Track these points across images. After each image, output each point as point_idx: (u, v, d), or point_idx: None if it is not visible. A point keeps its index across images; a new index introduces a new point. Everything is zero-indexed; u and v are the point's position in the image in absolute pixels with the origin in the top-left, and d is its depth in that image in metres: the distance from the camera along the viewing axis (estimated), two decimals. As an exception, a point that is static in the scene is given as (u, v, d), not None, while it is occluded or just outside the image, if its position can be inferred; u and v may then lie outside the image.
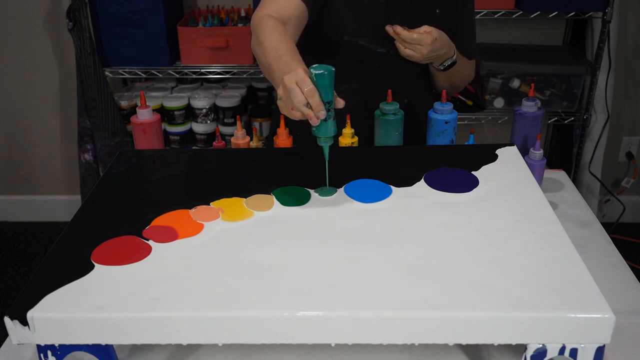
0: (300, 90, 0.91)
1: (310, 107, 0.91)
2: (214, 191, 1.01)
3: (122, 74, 2.20)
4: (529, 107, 1.20)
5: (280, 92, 0.95)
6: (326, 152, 0.99)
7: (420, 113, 1.38)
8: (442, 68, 1.30)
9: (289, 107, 0.94)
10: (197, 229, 0.91)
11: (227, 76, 2.29)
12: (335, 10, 1.26)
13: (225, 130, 2.27)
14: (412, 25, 1.25)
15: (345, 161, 1.12)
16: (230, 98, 2.24)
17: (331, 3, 1.26)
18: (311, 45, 1.30)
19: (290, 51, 1.05)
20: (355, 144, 1.21)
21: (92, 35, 2.10)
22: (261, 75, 2.21)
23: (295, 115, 0.94)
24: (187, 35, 2.12)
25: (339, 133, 1.22)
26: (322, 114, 0.91)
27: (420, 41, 1.22)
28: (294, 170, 1.07)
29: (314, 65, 0.93)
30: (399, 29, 1.23)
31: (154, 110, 1.27)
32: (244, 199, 0.98)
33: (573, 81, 2.15)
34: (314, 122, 0.92)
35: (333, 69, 0.93)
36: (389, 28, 1.24)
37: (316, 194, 0.99)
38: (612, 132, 2.42)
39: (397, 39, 1.24)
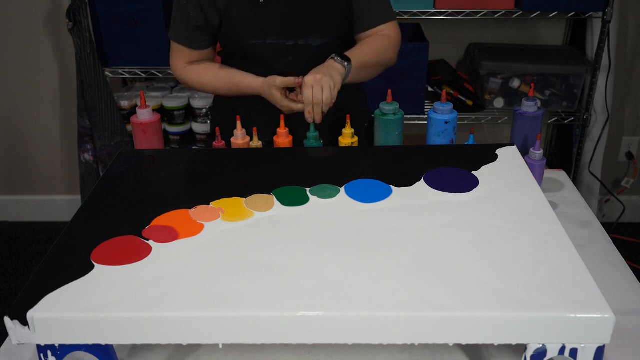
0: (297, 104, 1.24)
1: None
2: (214, 191, 1.01)
3: (122, 74, 2.20)
4: (529, 107, 1.20)
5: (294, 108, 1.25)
6: None
7: (348, 98, 1.41)
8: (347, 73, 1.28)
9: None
10: (197, 229, 0.91)
11: (227, 76, 2.29)
12: (235, 21, 1.29)
13: (225, 130, 2.26)
14: (314, 10, 1.29)
15: (345, 161, 1.12)
16: (230, 98, 2.24)
17: (229, 16, 1.30)
18: (229, 52, 1.39)
19: (227, 73, 1.35)
20: (355, 144, 1.21)
21: (92, 35, 2.10)
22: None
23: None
24: (187, 35, 2.12)
25: (339, 133, 1.22)
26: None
27: (309, 98, 1.20)
28: (294, 170, 1.07)
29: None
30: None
31: (154, 110, 1.27)
32: (244, 199, 0.98)
33: (573, 81, 2.15)
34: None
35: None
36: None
37: (315, 197, 0.99)
38: (612, 132, 2.42)
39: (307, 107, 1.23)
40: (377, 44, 1.36)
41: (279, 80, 1.24)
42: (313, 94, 1.19)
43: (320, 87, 1.19)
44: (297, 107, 1.24)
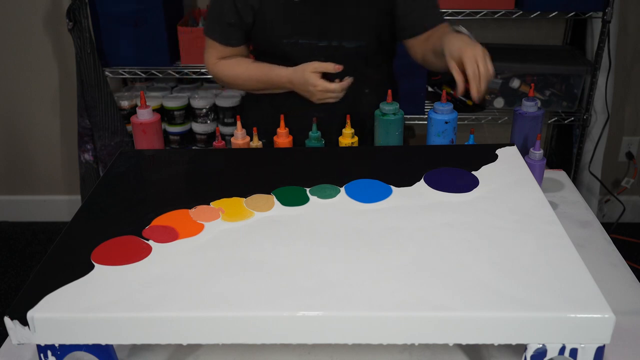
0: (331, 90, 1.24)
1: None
2: (214, 191, 1.01)
3: (122, 74, 2.20)
4: (529, 107, 1.20)
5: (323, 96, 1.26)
6: None
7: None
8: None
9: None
10: (197, 229, 0.91)
11: (227, 76, 2.29)
12: (269, 20, 1.29)
13: (225, 130, 2.27)
14: (350, 11, 1.27)
15: (345, 161, 1.12)
16: (230, 98, 2.24)
17: (262, 15, 1.29)
18: (259, 50, 1.39)
19: (257, 66, 1.35)
20: (356, 144, 1.21)
21: (92, 35, 2.10)
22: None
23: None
24: (187, 35, 2.13)
25: (339, 133, 1.22)
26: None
27: (475, 73, 1.12)
28: (294, 170, 1.07)
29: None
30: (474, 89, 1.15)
31: (154, 110, 1.27)
32: (244, 199, 0.98)
33: (573, 81, 2.15)
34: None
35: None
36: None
37: (315, 197, 0.99)
38: (612, 132, 2.42)
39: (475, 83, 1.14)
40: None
41: (317, 64, 1.24)
42: (479, 69, 1.11)
43: (484, 61, 1.12)
44: (332, 86, 1.23)
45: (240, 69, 1.37)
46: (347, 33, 1.30)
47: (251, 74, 1.36)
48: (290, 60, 1.32)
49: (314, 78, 1.24)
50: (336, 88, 1.23)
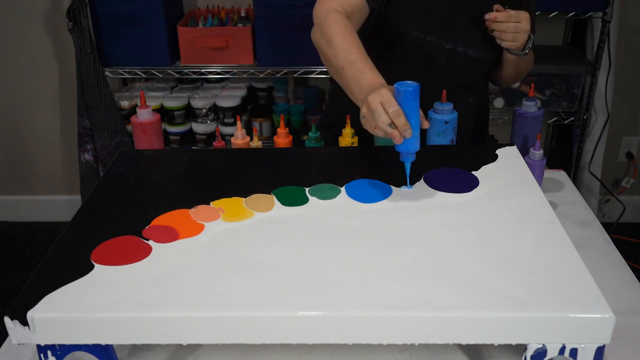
0: (385, 111, 0.91)
1: (395, 127, 0.92)
2: (214, 191, 1.01)
3: (122, 74, 2.20)
4: (529, 107, 1.20)
5: (363, 110, 0.95)
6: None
7: (483, 112, 1.39)
8: (526, 52, 1.25)
9: (372, 126, 0.94)
10: (197, 229, 0.91)
11: (227, 76, 2.29)
12: (402, 7, 1.23)
13: (225, 130, 2.27)
14: (480, 17, 1.24)
15: (345, 161, 1.12)
16: (230, 98, 2.24)
17: (399, 1, 1.23)
18: (376, 39, 1.25)
19: (362, 56, 1.05)
20: (355, 144, 1.21)
21: (92, 35, 2.10)
22: (261, 75, 2.21)
23: (379, 134, 0.94)
24: (187, 35, 2.13)
25: (339, 133, 1.22)
26: (408, 133, 0.92)
27: (518, 18, 1.17)
28: (294, 170, 1.07)
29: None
30: (496, 12, 1.19)
31: (154, 110, 1.27)
32: (244, 199, 0.98)
33: (573, 81, 2.15)
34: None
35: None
36: (488, 17, 1.19)
37: (315, 197, 0.99)
38: (612, 132, 2.42)
39: (495, 27, 1.19)
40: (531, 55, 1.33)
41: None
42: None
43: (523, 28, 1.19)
44: (390, 130, 0.93)
45: (342, 36, 1.07)
46: (474, 42, 1.27)
47: (344, 48, 1.06)
48: (410, 55, 1.25)
49: (388, 93, 0.94)
50: (393, 133, 0.94)
